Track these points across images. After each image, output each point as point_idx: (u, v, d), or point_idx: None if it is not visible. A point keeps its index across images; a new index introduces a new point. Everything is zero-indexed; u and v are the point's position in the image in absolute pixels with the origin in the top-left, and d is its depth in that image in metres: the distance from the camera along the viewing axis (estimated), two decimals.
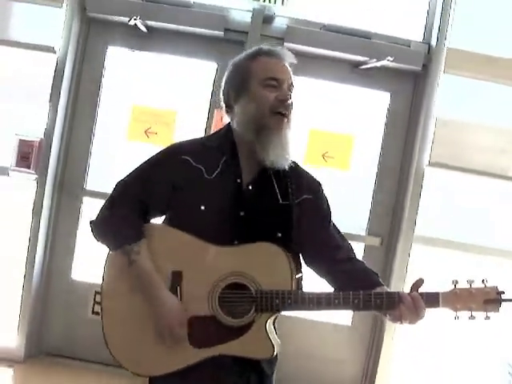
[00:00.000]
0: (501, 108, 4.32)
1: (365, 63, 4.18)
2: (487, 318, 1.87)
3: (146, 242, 1.97)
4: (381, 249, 4.36)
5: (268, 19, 4.13)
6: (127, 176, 2.06)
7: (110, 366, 4.18)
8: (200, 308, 1.92)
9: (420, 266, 4.31)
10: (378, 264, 4.26)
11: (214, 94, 4.26)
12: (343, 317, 4.39)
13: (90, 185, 4.36)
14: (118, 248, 1.98)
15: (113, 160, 4.40)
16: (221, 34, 4.10)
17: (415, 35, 4.29)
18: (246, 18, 4.14)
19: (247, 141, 2.00)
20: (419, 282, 1.91)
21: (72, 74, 4.24)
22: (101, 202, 2.08)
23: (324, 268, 2.06)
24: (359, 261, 2.10)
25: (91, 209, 4.36)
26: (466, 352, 4.45)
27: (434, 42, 4.15)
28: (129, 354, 1.97)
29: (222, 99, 2.10)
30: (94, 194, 4.27)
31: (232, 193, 1.99)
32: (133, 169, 2.06)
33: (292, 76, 2.03)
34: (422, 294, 1.88)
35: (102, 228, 2.04)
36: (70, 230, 4.35)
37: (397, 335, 4.21)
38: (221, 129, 2.13)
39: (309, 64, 4.15)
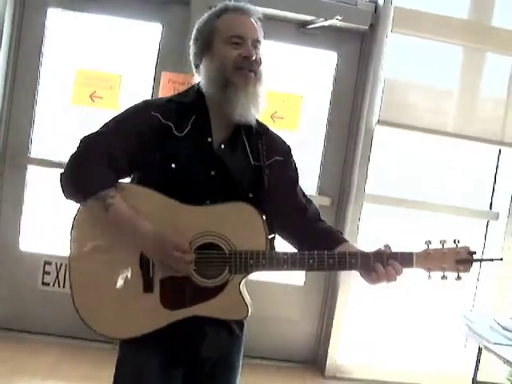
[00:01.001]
0: (446, 67, 4.31)
1: (312, 22, 4.10)
2: (458, 278, 1.87)
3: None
4: (332, 208, 4.34)
5: None
6: (93, 132, 1.94)
7: (61, 337, 4.11)
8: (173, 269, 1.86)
9: (371, 224, 4.32)
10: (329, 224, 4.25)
11: (159, 55, 4.13)
12: (296, 277, 4.39)
13: (34, 152, 4.18)
14: (92, 195, 1.84)
15: (57, 126, 4.25)
16: None
17: None
18: None
19: (215, 98, 1.93)
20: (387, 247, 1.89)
21: (11, 37, 4.04)
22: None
23: (290, 230, 2.04)
24: (325, 222, 2.08)
25: (37, 177, 4.23)
26: (423, 305, 4.49)
27: (381, 1, 4.09)
28: (100, 316, 1.89)
29: (191, 61, 2.02)
30: (39, 162, 4.11)
31: (203, 151, 1.92)
32: (99, 125, 1.95)
33: (259, 32, 1.96)
34: (396, 254, 1.87)
35: (73, 178, 1.88)
36: (16, 200, 4.18)
37: (351, 292, 4.24)
38: (190, 87, 2.04)
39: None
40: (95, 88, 4.06)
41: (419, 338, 4.67)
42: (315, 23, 4.07)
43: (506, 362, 2.74)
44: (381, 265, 1.85)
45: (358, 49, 4.29)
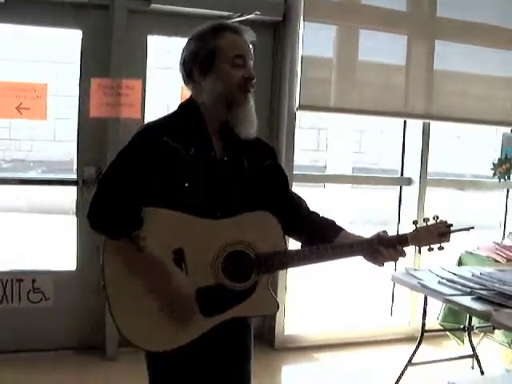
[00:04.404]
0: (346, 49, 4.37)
1: (229, 18, 4.04)
2: (441, 248, 2.05)
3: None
4: None
5: None
6: (109, 169, 1.93)
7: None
8: (206, 279, 1.92)
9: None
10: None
11: (82, 61, 3.93)
12: None
13: None
14: (124, 237, 1.87)
15: None
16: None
17: None
18: None
19: (217, 114, 1.97)
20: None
21: None
22: None
23: (291, 226, 2.07)
24: (318, 214, 2.14)
25: None
26: (356, 268, 4.63)
27: None
28: (145, 334, 1.91)
29: (181, 72, 2.00)
30: None
31: (210, 166, 1.96)
32: (112, 161, 1.94)
33: (252, 52, 2.00)
34: (393, 237, 2.03)
35: (101, 220, 1.91)
36: None
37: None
38: (184, 104, 2.04)
39: (177, 23, 3.97)
40: (21, 100, 3.81)
41: (357, 298, 4.83)
42: (232, 19, 4.02)
43: (466, 309, 2.94)
44: (383, 248, 1.97)
45: (272, 39, 4.28)
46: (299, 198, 2.16)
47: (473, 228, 2.11)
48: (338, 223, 2.12)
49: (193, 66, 1.95)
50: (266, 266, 1.94)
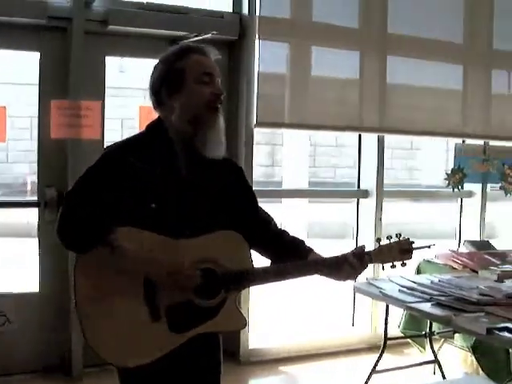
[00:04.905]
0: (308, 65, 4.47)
1: (185, 38, 4.09)
2: (404, 264, 2.09)
3: None
4: None
5: (87, 3, 3.85)
6: (74, 187, 1.95)
7: None
8: (176, 296, 1.92)
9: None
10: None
11: (41, 84, 3.92)
12: None
13: None
14: (101, 242, 1.85)
15: None
16: (43, 22, 3.72)
17: (226, 7, 4.30)
18: (66, 3, 3.81)
19: (185, 135, 1.99)
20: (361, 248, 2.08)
21: None
22: None
23: (259, 243, 2.10)
24: (288, 233, 2.18)
25: None
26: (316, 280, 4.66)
27: (245, 12, 4.19)
28: (116, 350, 1.91)
29: (150, 96, 2.03)
30: None
31: (176, 186, 1.98)
32: (78, 179, 1.96)
33: (219, 70, 2.03)
34: (357, 255, 2.04)
35: (71, 232, 1.92)
36: None
37: None
38: (151, 125, 2.06)
39: (135, 44, 4.03)
40: None
41: (319, 309, 4.86)
42: (188, 39, 4.06)
43: (427, 315, 3.02)
44: (348, 265, 2.02)
45: (227, 58, 4.31)
46: (268, 215, 2.18)
47: (434, 245, 2.18)
48: (307, 243, 2.15)
49: (161, 89, 1.98)
50: (234, 283, 1.97)
